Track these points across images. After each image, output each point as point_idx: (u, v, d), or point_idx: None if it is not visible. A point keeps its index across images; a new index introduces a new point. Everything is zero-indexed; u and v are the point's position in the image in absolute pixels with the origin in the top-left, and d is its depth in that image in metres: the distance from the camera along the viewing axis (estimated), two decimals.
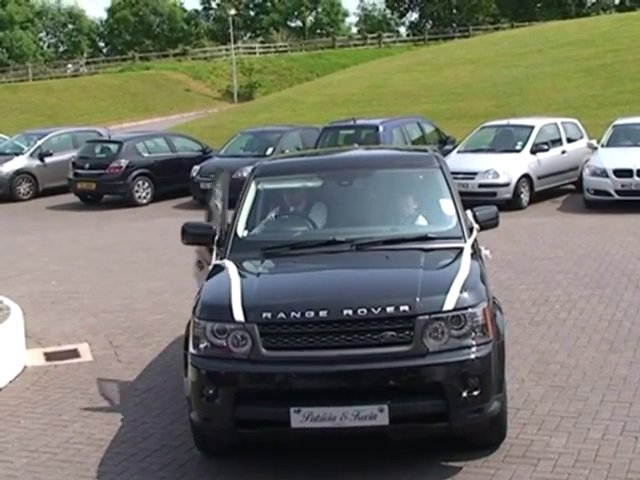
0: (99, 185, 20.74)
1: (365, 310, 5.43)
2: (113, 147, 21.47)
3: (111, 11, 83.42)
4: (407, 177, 7.13)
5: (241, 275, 5.98)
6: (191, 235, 6.80)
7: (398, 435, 5.63)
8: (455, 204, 6.68)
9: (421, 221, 6.79)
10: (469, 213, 6.80)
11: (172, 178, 20.91)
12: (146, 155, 21.34)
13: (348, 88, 37.52)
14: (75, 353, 8.89)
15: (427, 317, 5.43)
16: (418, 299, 5.48)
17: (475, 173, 17.11)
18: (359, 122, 19.79)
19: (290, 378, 5.46)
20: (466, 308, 5.52)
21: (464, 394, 5.43)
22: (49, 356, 8.80)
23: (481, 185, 17.02)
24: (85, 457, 6.27)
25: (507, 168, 17.24)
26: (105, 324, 9.91)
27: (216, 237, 6.69)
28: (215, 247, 6.66)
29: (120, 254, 14.40)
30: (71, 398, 7.57)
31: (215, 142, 24.18)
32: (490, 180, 17.12)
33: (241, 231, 6.70)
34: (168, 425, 6.79)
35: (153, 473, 5.96)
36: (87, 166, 21.02)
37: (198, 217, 7.23)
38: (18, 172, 22.58)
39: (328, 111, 31.18)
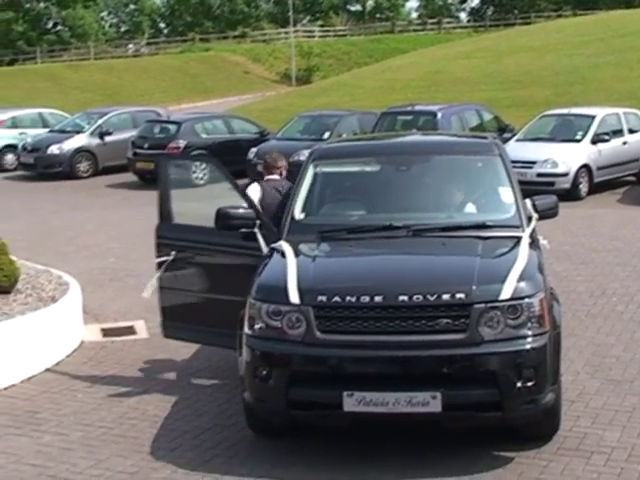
0: None
1: (421, 297, 5.41)
2: (172, 127, 21.62)
3: None
4: (466, 164, 7.08)
5: (297, 258, 5.99)
6: (230, 219, 6.66)
7: (450, 423, 5.62)
8: (514, 192, 6.62)
9: (479, 209, 6.74)
10: (528, 202, 6.72)
11: (229, 160, 20.56)
12: (204, 136, 21.46)
13: (406, 74, 37.27)
14: (131, 330, 9.01)
15: (483, 306, 5.40)
16: (474, 287, 5.45)
17: (534, 162, 16.91)
18: (417, 108, 19.69)
19: (344, 362, 5.48)
20: (523, 298, 5.48)
21: (518, 384, 5.39)
22: (106, 332, 8.93)
23: (539, 174, 16.82)
24: (139, 432, 6.36)
25: (566, 158, 17.02)
26: None
27: (258, 222, 6.65)
28: (258, 231, 6.64)
29: None
30: (127, 374, 7.68)
31: (272, 125, 24.19)
32: (549, 169, 16.92)
33: (298, 214, 6.70)
34: (221, 404, 6.86)
35: (205, 451, 6.03)
36: (146, 146, 21.19)
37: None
38: (78, 150, 22.83)
39: (386, 96, 31.01)
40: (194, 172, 20.60)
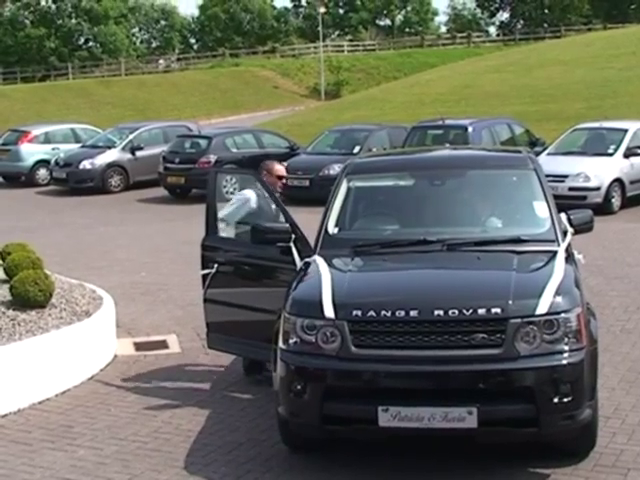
0: (188, 179, 20.97)
1: (456, 311, 5.39)
2: (203, 142, 21.72)
3: (203, 8, 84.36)
4: (500, 178, 7.06)
5: (332, 272, 5.98)
6: (265, 234, 6.73)
7: (486, 439, 5.58)
8: (549, 207, 6.58)
9: (514, 223, 6.71)
10: (563, 216, 6.69)
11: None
12: (234, 151, 21.54)
13: (436, 88, 37.25)
14: (164, 344, 9.03)
15: (519, 320, 5.36)
16: (510, 302, 5.42)
17: (566, 176, 16.79)
18: (448, 122, 19.63)
19: (379, 377, 5.46)
20: (559, 313, 5.44)
21: (555, 400, 5.34)
22: (138, 346, 8.96)
23: (571, 188, 16.70)
24: (174, 447, 6.37)
25: (599, 172, 16.90)
26: (193, 317, 9.98)
27: (293, 236, 6.68)
28: (293, 246, 6.65)
29: None
30: (160, 388, 7.69)
31: (302, 139, 24.24)
32: (581, 183, 16.79)
33: (331, 228, 6.70)
34: (254, 419, 6.85)
35: (239, 466, 6.02)
36: (177, 160, 21.30)
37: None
38: (110, 165, 23.00)
39: (416, 110, 31.00)
40: (224, 186, 20.77)
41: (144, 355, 8.69)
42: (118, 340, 8.88)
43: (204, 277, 7.51)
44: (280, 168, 8.10)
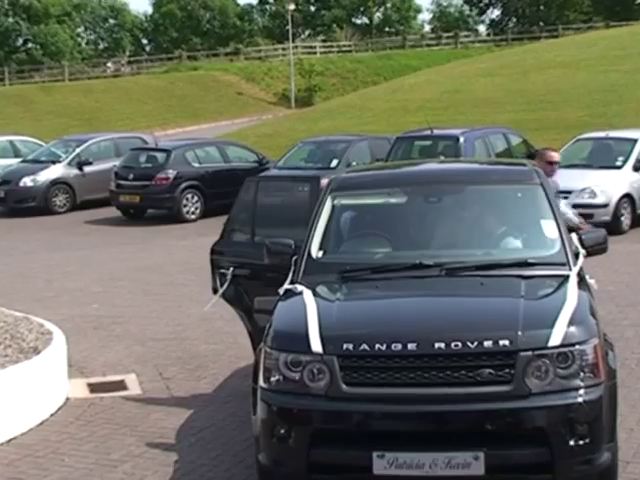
0: (144, 198, 21.00)
1: (460, 344, 5.42)
2: (160, 156, 21.74)
3: (156, 5, 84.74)
4: (503, 194, 7.11)
5: (317, 301, 6.00)
6: (270, 253, 6.91)
7: None
8: (558, 226, 6.63)
9: (519, 244, 6.76)
10: (574, 236, 6.76)
11: (225, 191, 20.92)
12: (196, 165, 21.57)
13: (421, 93, 37.55)
14: (122, 385, 9.00)
15: (530, 353, 5.40)
16: (520, 333, 5.45)
17: (569, 192, 16.86)
18: (437, 132, 19.74)
19: (373, 418, 5.47)
20: (574, 344, 5.48)
21: (571, 442, 5.38)
22: (93, 387, 8.92)
23: (576, 206, 16.78)
24: None
25: (606, 187, 17.08)
26: (154, 353, 10.01)
27: (295, 256, 6.75)
28: (292, 266, 6.70)
29: (167, 275, 14.56)
30: (119, 435, 7.65)
31: (272, 152, 24.36)
32: (586, 200, 16.93)
33: (315, 251, 6.71)
34: (229, 469, 6.83)
35: None
36: (131, 177, 21.31)
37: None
38: (54, 182, 22.99)
39: (399, 119, 31.25)
40: (185, 205, 20.79)
41: (100, 397, 8.63)
42: (70, 381, 8.83)
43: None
44: (553, 154, 9.53)
